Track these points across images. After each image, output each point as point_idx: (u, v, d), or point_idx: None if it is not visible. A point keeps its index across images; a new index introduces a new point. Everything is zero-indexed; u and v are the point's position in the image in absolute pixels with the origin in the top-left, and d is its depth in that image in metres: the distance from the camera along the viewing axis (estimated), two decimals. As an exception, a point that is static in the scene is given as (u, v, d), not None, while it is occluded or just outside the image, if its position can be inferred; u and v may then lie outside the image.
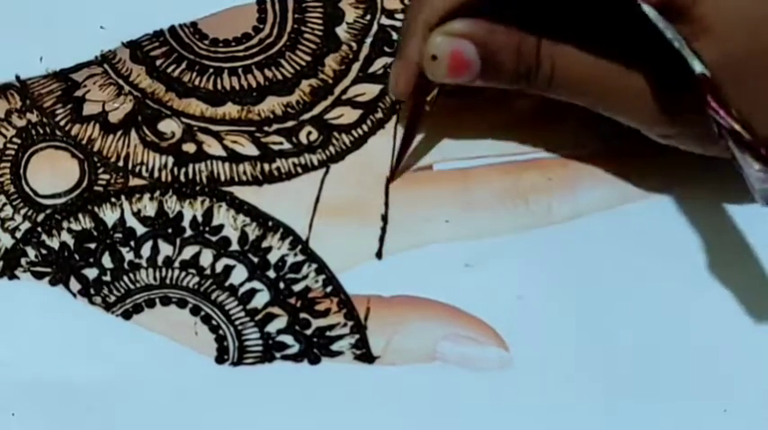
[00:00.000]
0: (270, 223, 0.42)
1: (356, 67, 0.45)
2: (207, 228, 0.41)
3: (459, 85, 0.40)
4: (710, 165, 0.41)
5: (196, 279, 0.41)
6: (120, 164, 0.43)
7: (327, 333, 0.40)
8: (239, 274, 0.41)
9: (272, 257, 0.41)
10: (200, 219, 0.42)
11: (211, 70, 0.45)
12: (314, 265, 0.41)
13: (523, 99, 0.43)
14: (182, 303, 0.40)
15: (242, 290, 0.40)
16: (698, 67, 0.36)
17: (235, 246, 0.41)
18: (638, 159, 0.43)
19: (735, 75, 0.36)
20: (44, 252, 0.41)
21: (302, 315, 0.40)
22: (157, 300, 0.40)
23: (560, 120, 0.43)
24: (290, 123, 0.44)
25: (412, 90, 0.41)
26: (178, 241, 0.41)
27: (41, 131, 0.43)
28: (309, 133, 0.44)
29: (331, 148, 0.43)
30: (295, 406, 0.38)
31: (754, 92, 0.37)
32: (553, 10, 0.39)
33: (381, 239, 0.41)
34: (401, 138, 0.42)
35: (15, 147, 0.43)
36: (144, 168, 0.43)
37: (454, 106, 0.43)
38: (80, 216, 0.42)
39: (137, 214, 0.42)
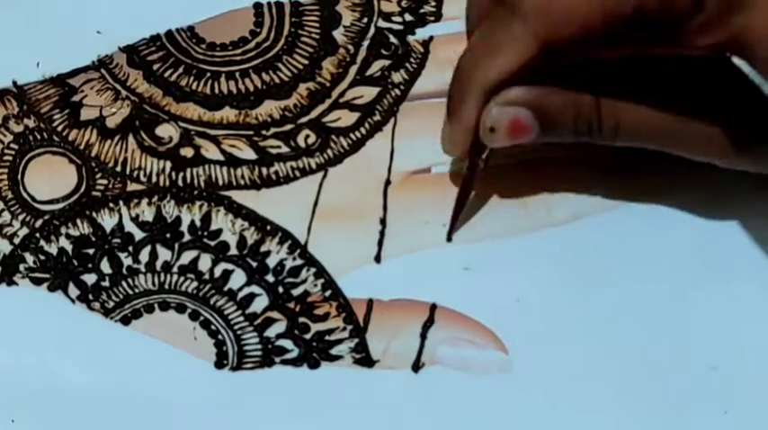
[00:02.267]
0: (268, 227, 0.42)
1: (353, 69, 0.45)
2: (205, 233, 0.41)
3: None
4: (711, 167, 0.41)
5: (195, 284, 0.41)
6: (118, 169, 0.43)
7: (327, 337, 0.40)
8: (238, 279, 0.41)
9: (271, 261, 0.41)
10: (198, 223, 0.42)
11: (209, 74, 0.45)
12: (313, 269, 0.41)
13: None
14: (180, 308, 0.40)
15: (241, 294, 0.40)
16: None
17: (233, 251, 0.41)
18: (638, 160, 0.43)
19: None
20: (42, 258, 0.41)
21: (301, 319, 0.40)
22: (156, 306, 0.40)
23: None
24: (288, 127, 0.44)
25: (468, 151, 0.41)
26: (176, 246, 0.41)
27: (39, 137, 0.43)
28: (307, 136, 0.44)
29: (329, 152, 0.43)
30: (295, 410, 0.38)
31: None
32: (612, 64, 0.38)
33: (380, 243, 0.41)
34: (457, 196, 0.42)
35: (13, 152, 0.43)
36: (142, 173, 0.42)
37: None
38: (78, 221, 0.41)
39: (135, 219, 0.42)
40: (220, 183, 0.42)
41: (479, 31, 0.39)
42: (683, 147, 0.40)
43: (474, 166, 0.41)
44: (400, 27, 0.46)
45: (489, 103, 0.39)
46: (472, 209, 0.42)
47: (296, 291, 0.40)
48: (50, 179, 0.42)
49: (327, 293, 0.40)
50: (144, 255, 0.41)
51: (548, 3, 0.36)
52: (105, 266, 0.41)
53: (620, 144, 0.40)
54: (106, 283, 0.40)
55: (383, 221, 0.42)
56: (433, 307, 0.40)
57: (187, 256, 0.41)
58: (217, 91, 0.44)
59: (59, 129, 0.43)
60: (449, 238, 0.41)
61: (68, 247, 0.41)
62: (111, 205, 0.42)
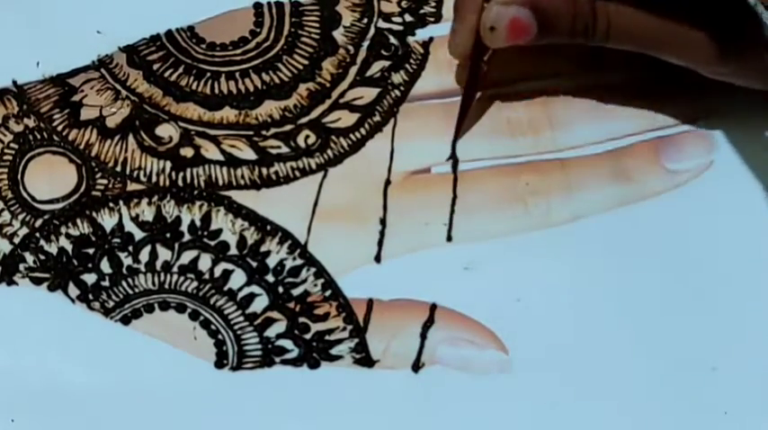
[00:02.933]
0: (268, 227, 0.42)
1: (353, 70, 0.45)
2: (205, 233, 0.41)
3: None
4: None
5: (195, 283, 0.40)
6: (118, 168, 0.43)
7: (327, 337, 0.40)
8: (238, 279, 0.41)
9: (271, 261, 0.41)
10: (198, 223, 0.42)
11: (209, 74, 0.45)
12: (313, 269, 0.41)
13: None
14: (180, 308, 0.40)
15: (241, 294, 0.40)
16: None
17: (233, 251, 0.41)
18: (637, 161, 0.43)
19: None
20: (42, 257, 0.41)
21: (301, 319, 0.40)
22: (156, 305, 0.40)
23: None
24: (288, 127, 0.44)
25: (470, 52, 0.42)
26: (176, 246, 0.41)
27: (39, 136, 0.43)
28: (307, 137, 0.44)
29: (329, 152, 0.43)
30: (294, 410, 0.38)
31: None
32: None
33: (380, 243, 0.41)
34: (462, 98, 0.43)
35: (13, 152, 0.43)
36: (142, 173, 0.42)
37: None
38: (78, 221, 0.41)
39: (135, 219, 0.42)
40: (220, 183, 0.42)
41: None
42: (670, 50, 0.41)
43: (476, 69, 0.42)
44: (400, 28, 0.46)
45: (490, 2, 0.40)
46: (476, 115, 0.43)
47: (296, 291, 0.40)
48: (50, 179, 0.42)
49: (327, 293, 0.40)
50: (144, 255, 0.41)
51: None
52: (105, 266, 0.41)
53: (612, 46, 0.41)
54: (106, 283, 0.40)
55: (383, 221, 0.42)
56: (433, 307, 0.40)
57: (187, 256, 0.41)
58: (217, 91, 0.44)
59: (59, 128, 0.43)
60: (454, 143, 0.43)
61: (68, 247, 0.41)
62: (111, 205, 0.42)
